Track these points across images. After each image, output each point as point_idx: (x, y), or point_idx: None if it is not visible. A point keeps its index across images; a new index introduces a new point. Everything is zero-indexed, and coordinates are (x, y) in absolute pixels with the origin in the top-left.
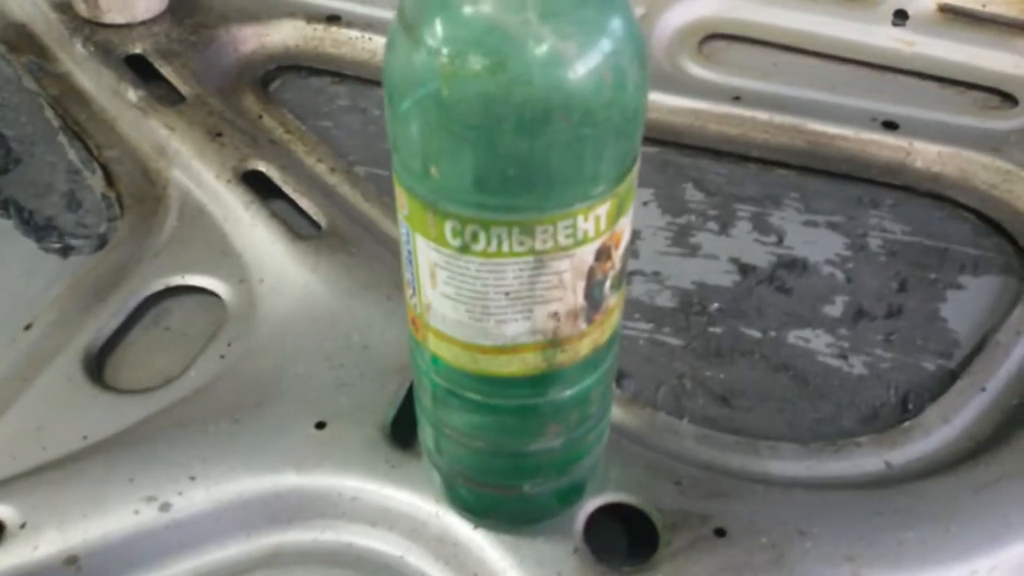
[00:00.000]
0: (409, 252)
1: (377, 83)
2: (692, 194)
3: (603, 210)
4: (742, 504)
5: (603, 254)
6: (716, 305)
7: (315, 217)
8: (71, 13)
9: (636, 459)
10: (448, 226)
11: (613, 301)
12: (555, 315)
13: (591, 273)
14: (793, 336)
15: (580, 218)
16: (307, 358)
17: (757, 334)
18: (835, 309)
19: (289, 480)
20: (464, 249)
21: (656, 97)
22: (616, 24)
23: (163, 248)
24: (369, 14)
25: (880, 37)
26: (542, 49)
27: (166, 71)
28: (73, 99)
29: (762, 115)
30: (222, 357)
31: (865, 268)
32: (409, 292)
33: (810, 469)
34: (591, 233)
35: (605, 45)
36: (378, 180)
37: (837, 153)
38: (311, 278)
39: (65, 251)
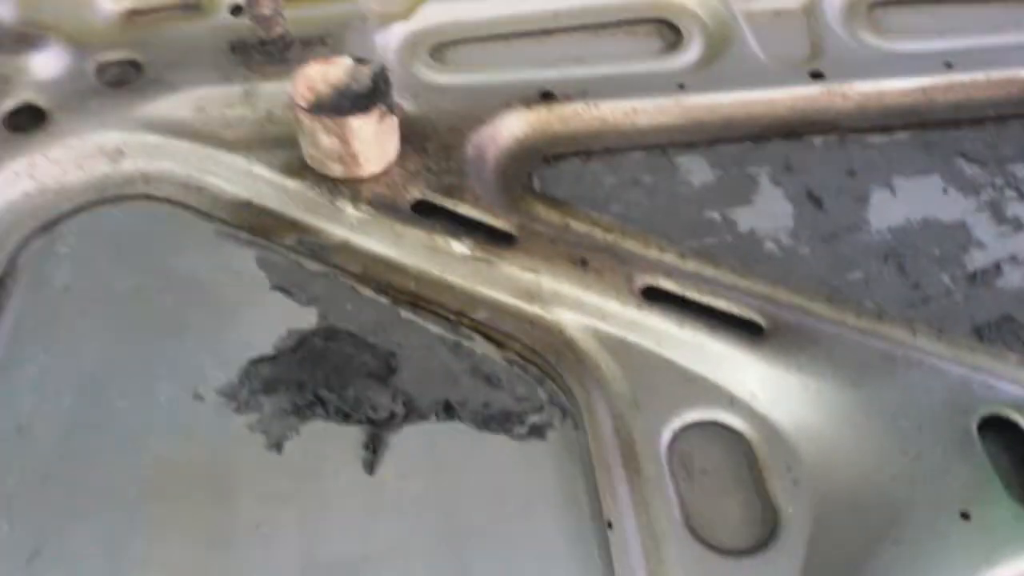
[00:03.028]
0: None
1: (624, 149)
2: (969, 168)
3: None
4: None
5: None
6: None
7: (741, 314)
8: (312, 177)
9: None
10: None
11: None
12: None
13: None
14: None
15: None
16: (874, 454)
17: None
18: None
19: None
20: None
21: (877, 84)
22: None
23: (634, 394)
24: (579, 78)
25: None
26: None
27: (465, 209)
28: (378, 268)
29: (979, 75)
30: (795, 484)
31: None
32: None
33: None
34: None
35: None
36: (709, 250)
37: None
38: (798, 378)
39: (537, 431)
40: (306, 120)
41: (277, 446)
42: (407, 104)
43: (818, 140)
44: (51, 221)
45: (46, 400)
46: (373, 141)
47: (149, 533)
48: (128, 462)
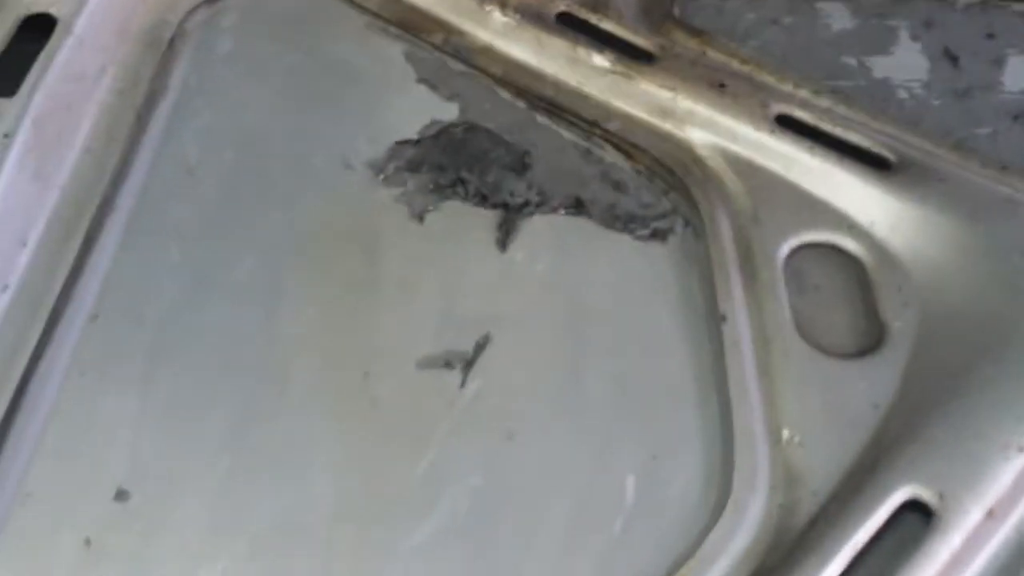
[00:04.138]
0: None
1: None
2: None
3: None
4: None
5: None
6: None
7: (871, 148)
8: None
9: None
10: None
11: None
12: None
13: None
14: None
15: None
16: (986, 283)
17: None
18: None
19: None
20: None
21: None
22: None
23: (756, 211)
24: None
25: None
26: None
27: (608, 25)
28: (518, 73)
29: None
30: (905, 304)
31: None
32: None
33: None
34: None
35: None
36: (843, 90)
37: None
38: (919, 210)
39: (659, 235)
40: None
41: (419, 217)
42: None
43: (961, 2)
44: None
45: (210, 151)
46: None
47: (304, 275)
48: (284, 212)
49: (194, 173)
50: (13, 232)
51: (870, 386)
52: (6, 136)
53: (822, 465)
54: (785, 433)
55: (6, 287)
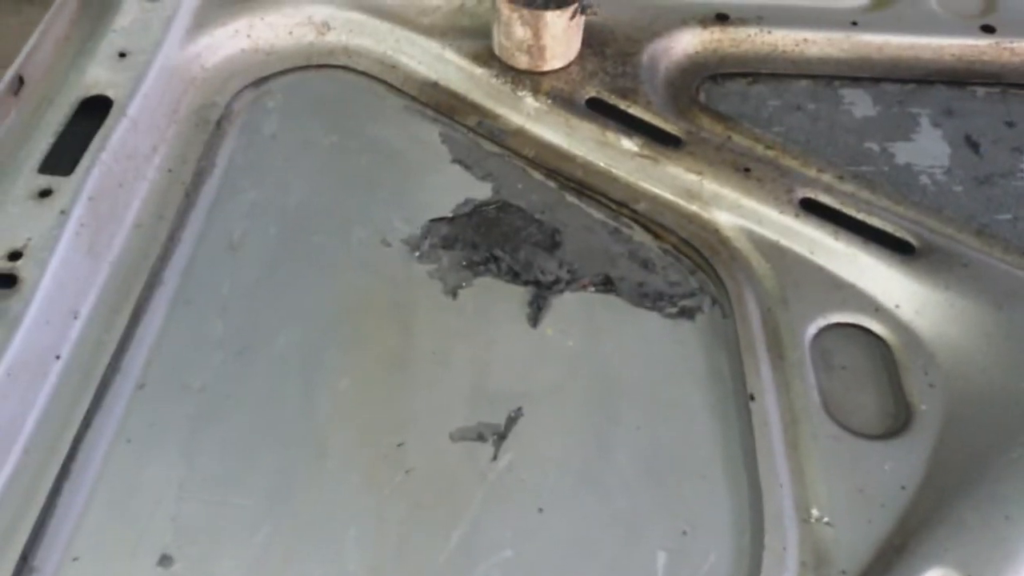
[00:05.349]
0: None
1: (790, 76)
2: None
3: None
4: None
5: None
6: None
7: (894, 233)
8: (498, 66)
9: None
10: None
11: None
12: None
13: None
14: None
15: None
16: (1010, 368)
17: None
18: None
19: None
20: None
21: None
22: None
23: (782, 292)
24: (757, 4)
25: None
26: None
27: (636, 111)
28: (549, 155)
29: None
30: (931, 386)
31: None
32: None
33: None
34: None
35: None
36: (866, 176)
37: None
38: (943, 295)
39: (687, 313)
40: (505, 10)
41: (452, 293)
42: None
43: (980, 91)
44: (262, 78)
45: (255, 227)
46: (561, 37)
47: (340, 347)
48: (324, 287)
49: (238, 249)
50: (66, 304)
51: (898, 467)
52: (63, 213)
53: (851, 545)
54: (814, 512)
55: (58, 357)
